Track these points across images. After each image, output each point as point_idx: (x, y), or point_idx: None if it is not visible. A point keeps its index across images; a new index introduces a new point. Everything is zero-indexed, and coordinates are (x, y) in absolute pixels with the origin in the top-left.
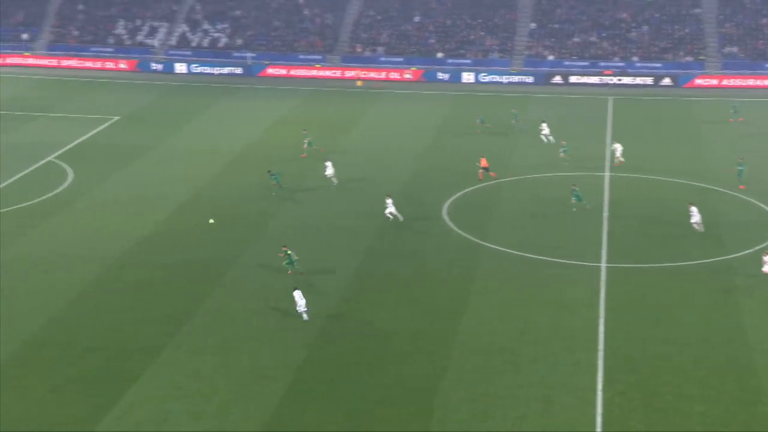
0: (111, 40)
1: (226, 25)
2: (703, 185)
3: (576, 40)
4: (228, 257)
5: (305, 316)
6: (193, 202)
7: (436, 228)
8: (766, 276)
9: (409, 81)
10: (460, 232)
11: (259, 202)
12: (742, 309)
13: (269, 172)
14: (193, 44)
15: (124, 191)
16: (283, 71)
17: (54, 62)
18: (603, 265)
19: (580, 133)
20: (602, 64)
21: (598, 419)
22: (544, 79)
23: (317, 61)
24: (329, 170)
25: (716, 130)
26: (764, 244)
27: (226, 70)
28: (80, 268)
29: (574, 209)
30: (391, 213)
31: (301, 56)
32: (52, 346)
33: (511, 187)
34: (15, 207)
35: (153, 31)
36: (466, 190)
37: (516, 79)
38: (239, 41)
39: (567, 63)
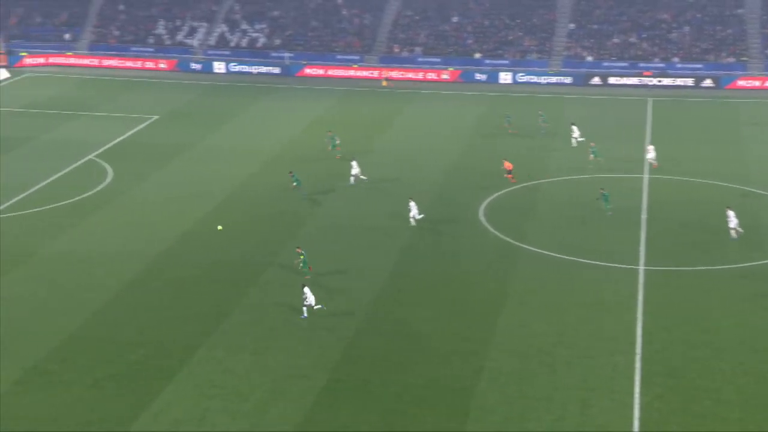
0: (151, 40)
1: (264, 26)
2: (744, 188)
3: (615, 40)
4: (264, 256)
5: (305, 313)
6: (230, 202)
7: (473, 229)
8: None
9: (446, 81)
10: (496, 233)
11: (294, 202)
12: None
13: (290, 173)
14: (232, 44)
15: (163, 190)
16: (320, 71)
17: (95, 62)
18: (641, 267)
19: (619, 135)
20: (642, 65)
21: (636, 423)
22: (582, 80)
23: (355, 62)
24: (355, 170)
25: (758, 132)
26: None
27: (264, 69)
28: (120, 266)
29: (609, 213)
30: (414, 217)
31: (339, 56)
32: (92, 343)
33: (549, 189)
34: (56, 205)
35: (192, 31)
36: (503, 192)
37: (554, 80)
38: (277, 41)
39: (606, 64)
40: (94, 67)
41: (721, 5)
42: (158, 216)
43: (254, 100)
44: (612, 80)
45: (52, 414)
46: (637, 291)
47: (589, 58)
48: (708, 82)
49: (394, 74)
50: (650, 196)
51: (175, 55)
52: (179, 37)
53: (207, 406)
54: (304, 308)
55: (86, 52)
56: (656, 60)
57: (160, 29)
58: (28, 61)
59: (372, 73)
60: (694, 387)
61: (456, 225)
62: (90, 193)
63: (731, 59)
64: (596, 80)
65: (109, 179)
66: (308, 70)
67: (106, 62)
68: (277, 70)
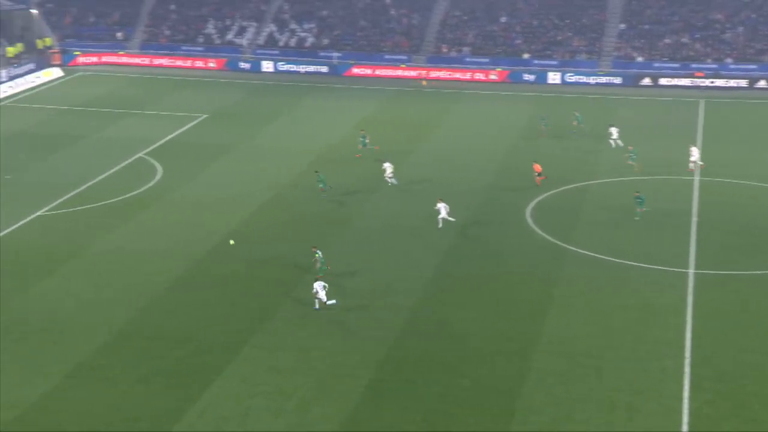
0: (201, 40)
1: (313, 25)
2: None
3: (667, 41)
4: (309, 255)
5: (317, 305)
6: (277, 200)
7: (519, 230)
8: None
9: (494, 82)
10: (543, 234)
11: (341, 201)
12: None
13: (316, 172)
14: (281, 44)
15: (211, 188)
16: (368, 71)
17: (146, 61)
18: (691, 271)
19: (669, 137)
20: (694, 65)
21: (684, 428)
22: (632, 81)
23: (402, 61)
24: (388, 171)
25: None
26: None
27: (312, 69)
28: (167, 263)
29: (637, 218)
30: (443, 218)
31: (387, 56)
32: (140, 338)
33: (597, 191)
34: (107, 202)
35: (242, 31)
36: (550, 193)
37: (603, 80)
38: (326, 41)
39: (657, 65)
40: (145, 66)
41: None
42: (206, 214)
43: (302, 100)
44: (663, 81)
45: (100, 408)
46: (686, 294)
47: (640, 59)
48: (762, 84)
49: (442, 74)
50: (701, 199)
51: (224, 54)
52: (229, 36)
53: (251, 404)
54: (316, 300)
55: (138, 51)
56: (709, 61)
57: (210, 29)
58: (82, 60)
59: (420, 73)
60: (745, 392)
61: (502, 226)
62: (140, 190)
63: None
64: (647, 81)
65: (158, 177)
66: (356, 70)
67: (157, 61)
68: (325, 70)
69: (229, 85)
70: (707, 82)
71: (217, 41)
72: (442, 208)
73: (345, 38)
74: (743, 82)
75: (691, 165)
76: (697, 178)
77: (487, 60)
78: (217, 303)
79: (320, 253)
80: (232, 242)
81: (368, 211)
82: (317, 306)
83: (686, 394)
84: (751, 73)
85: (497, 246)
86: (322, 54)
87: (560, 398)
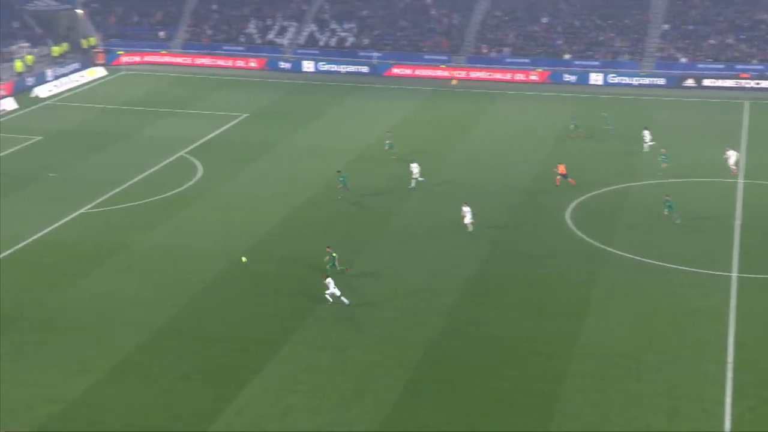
0: (242, 39)
1: (353, 25)
2: None
3: (711, 42)
4: (348, 254)
5: (330, 299)
6: (316, 199)
7: (559, 232)
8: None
9: (534, 82)
10: (582, 236)
11: (381, 200)
12: None
13: (338, 172)
14: (321, 43)
15: (251, 187)
16: (408, 71)
17: (188, 60)
18: (734, 274)
19: (712, 139)
20: (739, 66)
21: None
22: (675, 82)
23: (442, 62)
24: (415, 172)
25: None
26: None
27: (352, 69)
28: (207, 261)
29: (677, 221)
30: (470, 222)
31: (427, 56)
32: (179, 336)
33: (638, 193)
34: (149, 200)
35: (282, 31)
36: (590, 194)
37: (646, 81)
38: (366, 41)
39: (701, 66)
40: (187, 65)
41: None
42: (245, 213)
43: (341, 100)
44: (707, 82)
45: (141, 405)
46: (729, 298)
47: (683, 60)
48: None
49: (482, 75)
50: (744, 202)
51: (264, 54)
52: (269, 36)
53: (289, 403)
54: (327, 294)
55: (180, 50)
56: (754, 62)
57: (251, 28)
58: (125, 59)
59: (459, 74)
60: None
61: (541, 227)
62: (180, 189)
63: None
64: (690, 82)
65: (198, 176)
66: (396, 70)
67: (199, 61)
68: (365, 70)
69: (269, 85)
70: (752, 84)
71: (258, 41)
72: (467, 213)
73: (385, 38)
74: None
75: (734, 168)
76: (740, 181)
77: (527, 61)
78: (256, 301)
79: (335, 254)
80: (244, 259)
81: (406, 211)
82: (331, 299)
83: (728, 399)
84: None
85: (536, 248)
86: (362, 54)
87: (598, 401)
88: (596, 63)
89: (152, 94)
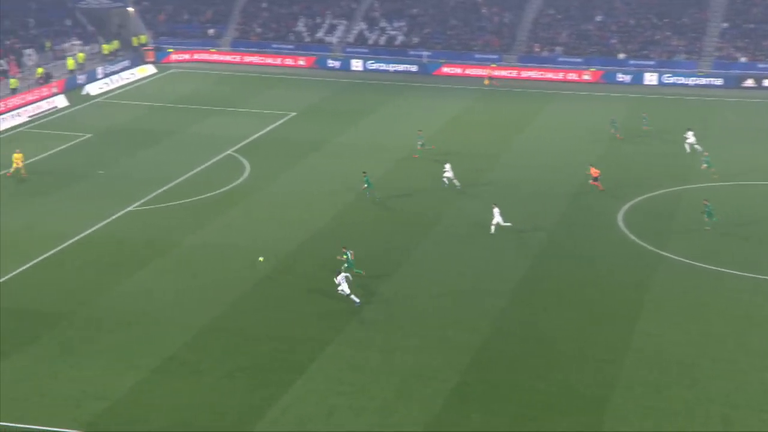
0: (291, 37)
1: (403, 23)
2: None
3: None
4: (396, 254)
5: (347, 291)
6: (364, 199)
7: (610, 235)
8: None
9: (587, 82)
10: (635, 239)
11: (429, 200)
12: None
13: (364, 173)
14: (370, 42)
15: (298, 186)
16: (458, 70)
17: (237, 58)
18: None
19: None
20: None
21: None
22: (734, 83)
23: (493, 61)
24: (448, 173)
25: None
26: None
27: (401, 68)
28: (255, 259)
29: (707, 228)
30: (498, 223)
31: (477, 55)
32: (227, 334)
33: (694, 196)
34: (196, 198)
35: (332, 29)
36: (644, 197)
37: (703, 81)
38: (416, 39)
39: (761, 65)
40: (236, 63)
41: None
42: (293, 211)
43: (390, 99)
44: (767, 83)
45: (187, 403)
46: None
47: (743, 59)
48: None
49: (533, 74)
50: None
51: (313, 52)
52: (319, 34)
53: (334, 403)
54: (340, 290)
55: (229, 48)
56: None
57: (301, 26)
58: (174, 57)
59: (510, 73)
60: None
61: (593, 230)
62: (228, 187)
63: None
64: (749, 82)
65: (246, 174)
66: (446, 69)
67: (248, 59)
68: (414, 69)
69: (317, 84)
70: None
71: (307, 39)
72: (497, 214)
73: (435, 37)
74: None
75: None
76: None
77: (580, 60)
78: (303, 300)
79: (349, 254)
80: (261, 259)
81: (455, 211)
82: (348, 293)
83: None
84: None
85: (588, 249)
86: (411, 53)
87: (650, 408)
88: (651, 62)
89: (201, 92)
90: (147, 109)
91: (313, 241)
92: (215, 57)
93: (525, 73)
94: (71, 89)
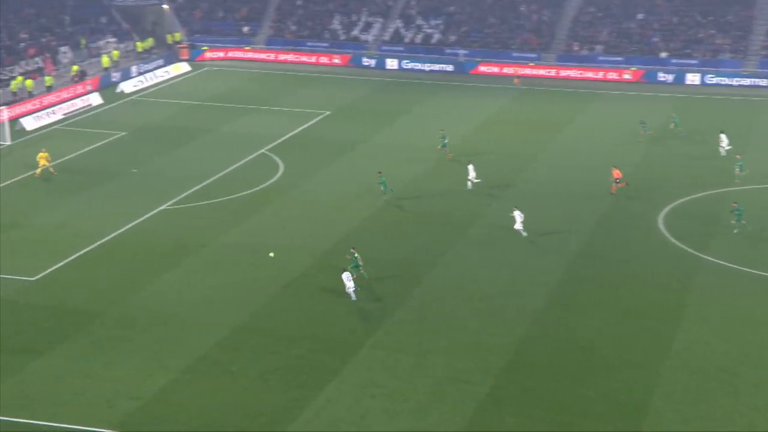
0: (326, 35)
1: (440, 21)
2: None
3: None
4: (429, 256)
5: (353, 296)
6: (398, 199)
7: (651, 237)
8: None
9: (627, 82)
10: (676, 242)
11: (464, 202)
12: None
13: (379, 173)
14: (406, 40)
15: (332, 185)
16: (495, 69)
17: (271, 56)
18: None
19: None
20: None
21: None
22: None
23: (531, 60)
24: (471, 173)
25: None
26: None
27: (436, 67)
28: (288, 260)
29: (735, 230)
30: (519, 227)
31: (515, 54)
32: (259, 334)
33: (736, 198)
34: (230, 197)
35: (367, 27)
36: (685, 199)
37: (748, 81)
38: (452, 38)
39: None
40: (271, 61)
41: None
42: (326, 211)
43: (425, 98)
44: None
45: (219, 403)
46: None
47: None
48: None
49: (572, 74)
50: None
51: (348, 50)
52: (354, 32)
53: (368, 406)
54: (352, 293)
55: (263, 46)
56: None
57: (336, 24)
58: (209, 55)
59: (549, 72)
60: None
61: (633, 232)
62: (262, 186)
63: None
64: None
65: (280, 173)
66: (482, 68)
67: (282, 57)
68: (450, 68)
69: (352, 82)
70: None
71: (343, 37)
72: (518, 216)
73: (472, 35)
74: None
75: None
76: None
77: (620, 59)
78: (337, 301)
79: (358, 255)
80: (272, 255)
81: (491, 212)
82: (354, 297)
83: None
84: None
85: (627, 253)
86: (447, 51)
87: (690, 416)
88: (694, 62)
89: (235, 90)
90: (181, 107)
91: (347, 241)
92: (250, 55)
93: (564, 72)
94: (106, 87)
